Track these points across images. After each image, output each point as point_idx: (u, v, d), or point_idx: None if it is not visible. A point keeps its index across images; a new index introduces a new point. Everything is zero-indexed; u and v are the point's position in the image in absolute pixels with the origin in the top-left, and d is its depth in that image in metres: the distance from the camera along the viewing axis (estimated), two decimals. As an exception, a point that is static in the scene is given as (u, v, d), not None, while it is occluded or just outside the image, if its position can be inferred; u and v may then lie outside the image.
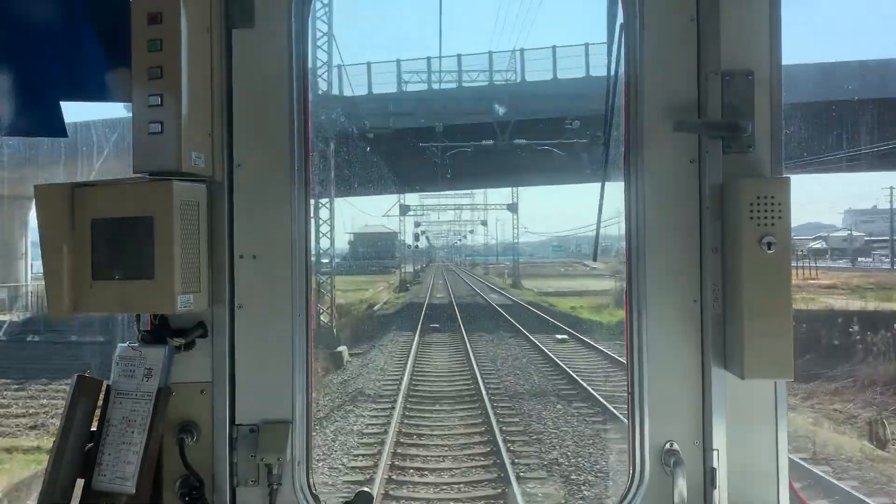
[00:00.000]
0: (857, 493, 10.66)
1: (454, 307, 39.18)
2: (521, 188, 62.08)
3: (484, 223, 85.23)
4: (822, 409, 16.48)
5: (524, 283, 57.81)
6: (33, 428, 15.61)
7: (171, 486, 2.52)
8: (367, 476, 12.19)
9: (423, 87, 34.39)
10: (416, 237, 76.02)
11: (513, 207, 64.50)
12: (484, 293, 50.84)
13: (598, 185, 2.92)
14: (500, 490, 11.71)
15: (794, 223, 2.45)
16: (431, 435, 14.57)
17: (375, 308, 39.61)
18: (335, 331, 27.20)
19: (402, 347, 25.71)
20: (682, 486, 2.41)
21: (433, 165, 36.22)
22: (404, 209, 65.08)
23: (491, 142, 32.35)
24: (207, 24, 2.49)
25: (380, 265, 73.10)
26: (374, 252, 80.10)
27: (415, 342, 26.24)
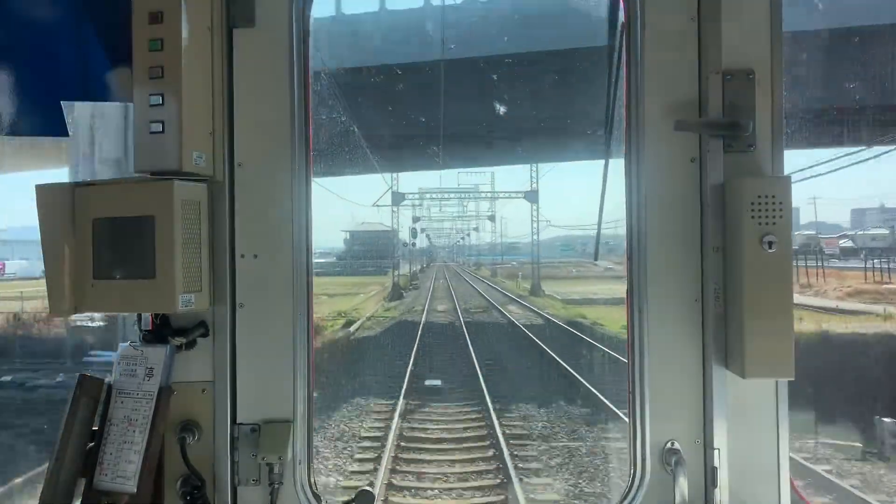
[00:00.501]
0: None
1: (463, 330, 26.64)
2: (541, 169, 47.83)
3: (491, 218, 73.75)
4: None
5: (542, 288, 45.59)
6: None
7: (172, 485, 2.52)
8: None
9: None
10: (414, 233, 64.75)
11: (531, 196, 49.11)
12: (499, 304, 38.78)
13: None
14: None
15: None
16: None
17: (351, 329, 27.21)
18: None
19: (362, 464, 12.24)
20: (683, 485, 2.41)
21: (427, 128, 24.59)
22: (398, 197, 51.92)
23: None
24: (208, 24, 2.49)
25: (376, 265, 63.43)
26: (370, 251, 69.41)
27: (388, 446, 12.74)
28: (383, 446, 12.90)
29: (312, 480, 2.68)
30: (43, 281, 2.44)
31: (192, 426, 2.56)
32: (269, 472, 2.54)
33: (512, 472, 10.98)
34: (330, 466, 12.29)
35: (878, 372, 15.56)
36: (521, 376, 18.30)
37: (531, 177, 49.02)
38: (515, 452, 12.19)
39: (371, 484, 11.21)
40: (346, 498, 2.62)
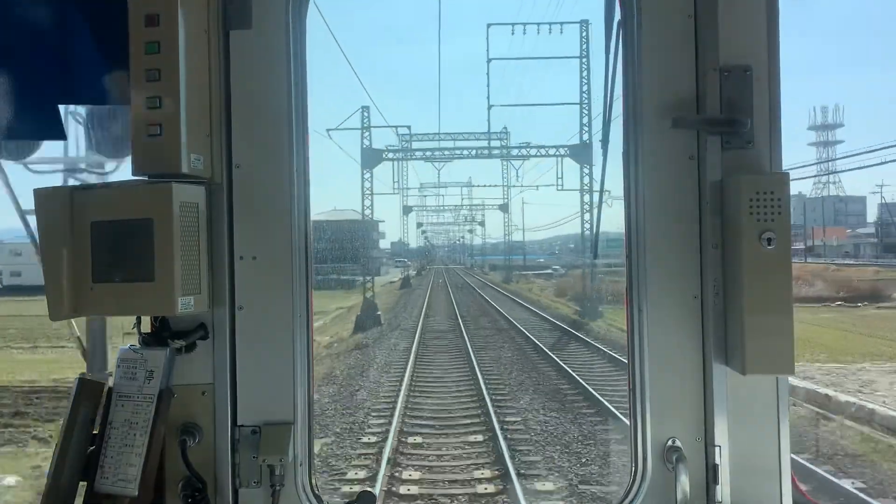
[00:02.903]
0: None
1: None
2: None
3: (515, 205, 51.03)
4: None
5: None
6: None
7: (173, 487, 2.52)
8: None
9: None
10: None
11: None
12: None
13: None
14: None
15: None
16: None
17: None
18: None
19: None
20: (684, 482, 2.42)
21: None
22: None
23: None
24: (205, 26, 2.49)
25: (345, 271, 40.49)
26: (340, 249, 44.73)
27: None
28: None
29: (313, 482, 2.68)
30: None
31: (193, 428, 2.56)
32: (270, 473, 2.54)
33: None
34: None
35: None
36: None
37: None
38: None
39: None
40: (347, 499, 2.62)
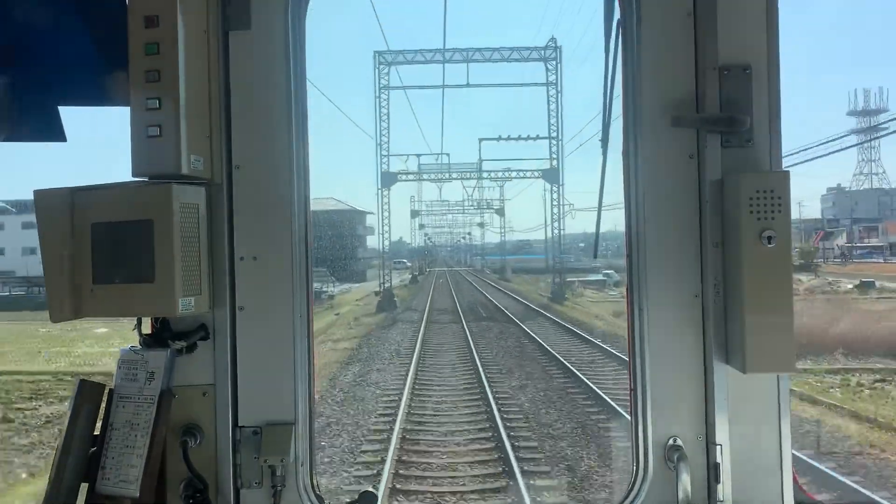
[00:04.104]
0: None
1: None
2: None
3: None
4: None
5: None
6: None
7: (174, 488, 2.52)
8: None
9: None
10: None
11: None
12: None
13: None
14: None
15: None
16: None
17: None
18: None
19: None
20: (685, 481, 2.42)
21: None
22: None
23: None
24: (204, 27, 2.49)
25: (322, 280, 31.73)
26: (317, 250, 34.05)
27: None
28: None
29: (315, 482, 2.67)
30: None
31: (194, 429, 2.56)
32: (272, 474, 2.54)
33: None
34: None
35: None
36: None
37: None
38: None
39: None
40: (348, 499, 2.62)
